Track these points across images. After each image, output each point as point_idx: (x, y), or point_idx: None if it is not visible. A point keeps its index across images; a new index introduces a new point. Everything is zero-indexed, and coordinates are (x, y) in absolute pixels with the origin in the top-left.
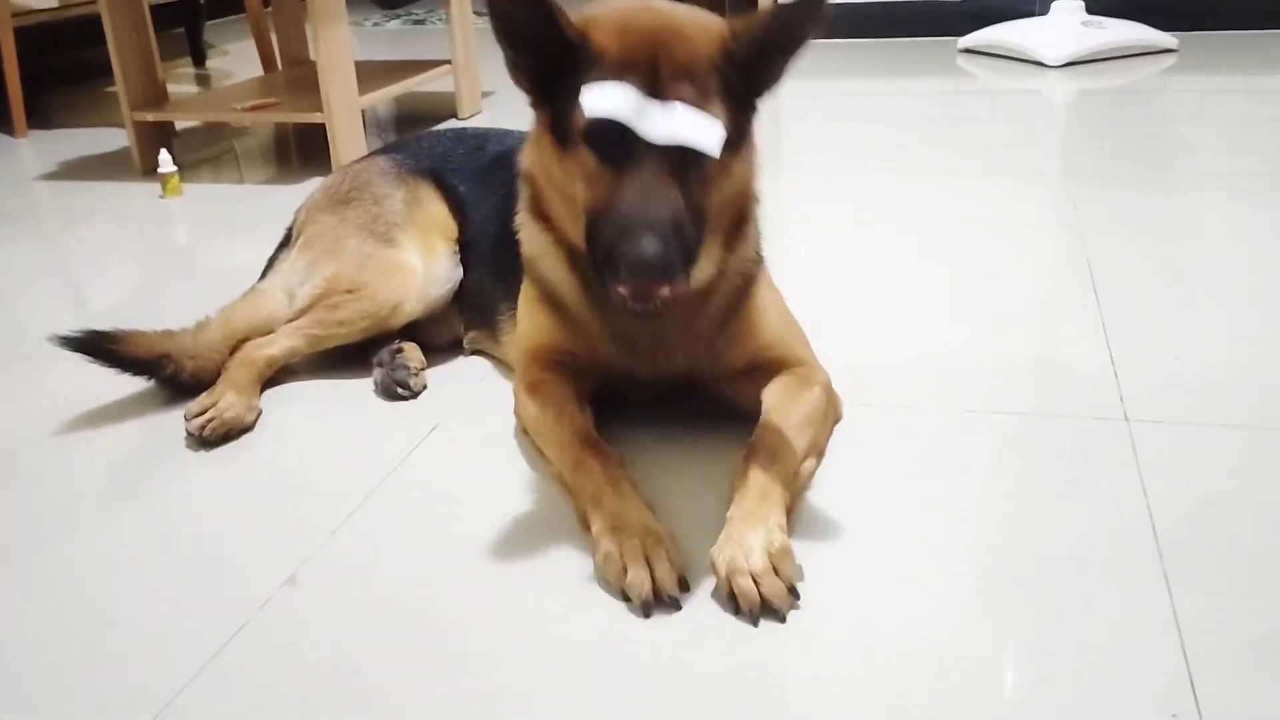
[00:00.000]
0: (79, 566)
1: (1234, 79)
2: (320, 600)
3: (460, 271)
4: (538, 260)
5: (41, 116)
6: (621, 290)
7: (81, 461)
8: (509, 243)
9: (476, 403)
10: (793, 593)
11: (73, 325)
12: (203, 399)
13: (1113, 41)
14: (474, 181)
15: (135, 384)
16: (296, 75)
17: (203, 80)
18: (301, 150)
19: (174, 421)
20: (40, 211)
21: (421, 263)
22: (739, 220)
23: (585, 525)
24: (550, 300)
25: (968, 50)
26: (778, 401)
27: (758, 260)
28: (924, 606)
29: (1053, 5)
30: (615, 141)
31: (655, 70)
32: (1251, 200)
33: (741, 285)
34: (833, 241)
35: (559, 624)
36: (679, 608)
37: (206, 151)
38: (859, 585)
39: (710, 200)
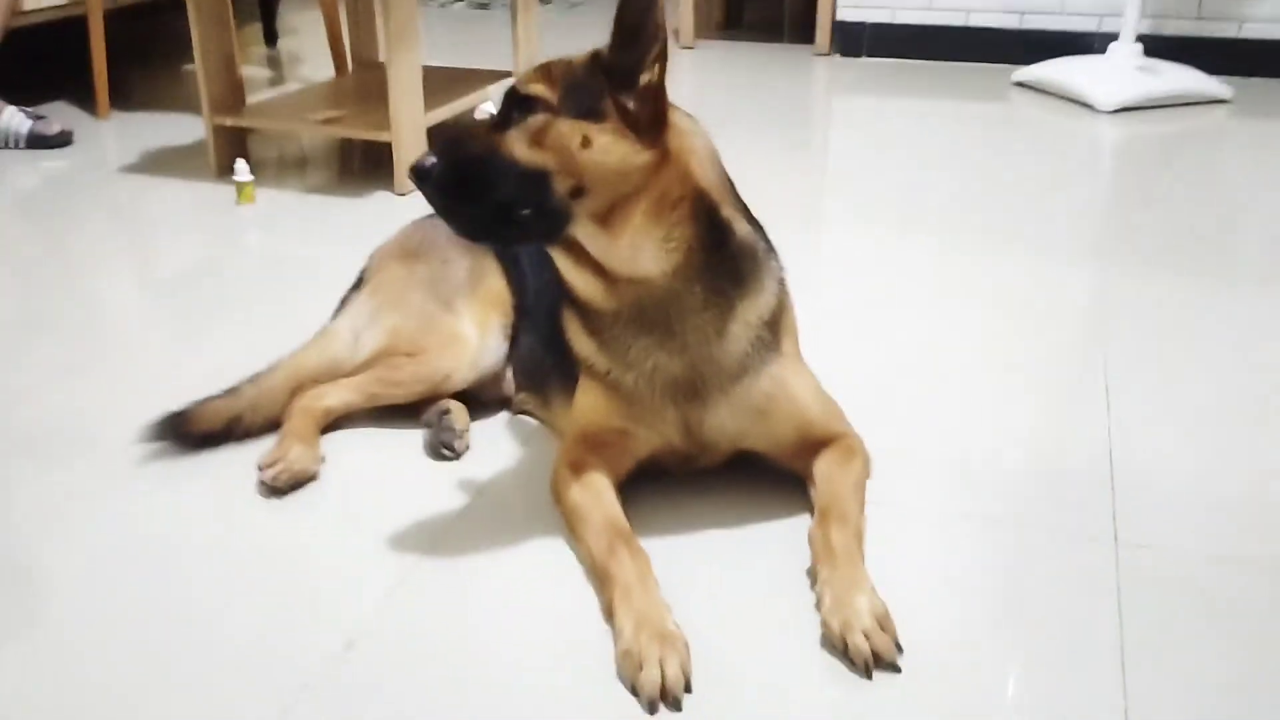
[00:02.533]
0: (152, 613)
1: None
2: (376, 667)
3: (506, 345)
4: (572, 340)
5: (124, 95)
6: None
7: (157, 503)
8: (559, 315)
9: (519, 469)
10: (898, 647)
11: (155, 338)
12: (273, 451)
13: (1165, 91)
14: (536, 252)
15: None
16: (366, 83)
17: (274, 63)
18: (366, 160)
19: (245, 461)
20: (121, 210)
21: (476, 335)
22: (665, 203)
23: (609, 613)
24: (592, 374)
25: (1021, 84)
26: (832, 471)
27: (779, 317)
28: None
29: (1110, 46)
30: None
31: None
32: None
33: (762, 336)
34: (853, 308)
35: (584, 708)
36: (680, 709)
37: (278, 150)
38: (822, 680)
39: (544, 159)
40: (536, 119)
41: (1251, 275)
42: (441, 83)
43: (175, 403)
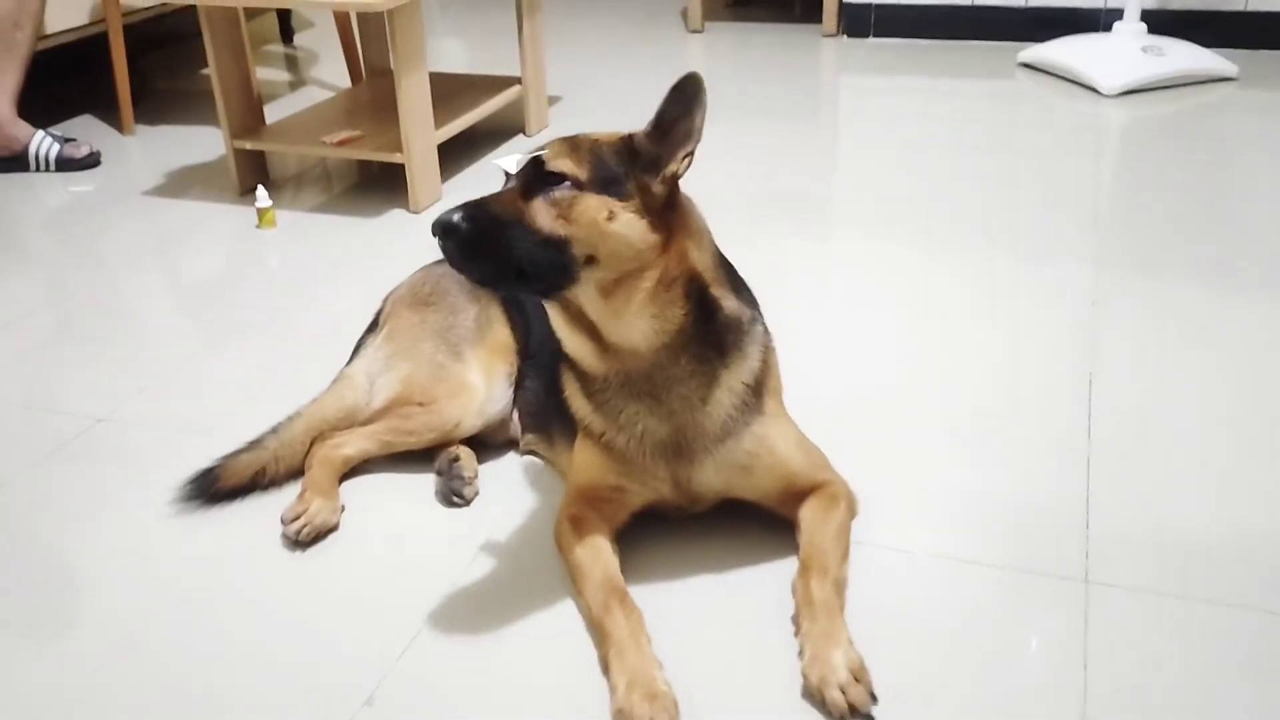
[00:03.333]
0: (172, 669)
1: None
2: None
3: (511, 392)
4: (570, 400)
5: (147, 108)
6: None
7: (179, 556)
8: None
9: (526, 511)
10: (873, 697)
11: (182, 351)
12: (295, 506)
13: (1170, 71)
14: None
15: None
16: (380, 96)
17: (291, 63)
18: (383, 173)
19: (265, 514)
20: (147, 231)
21: (483, 384)
22: (664, 284)
23: (605, 668)
24: (589, 434)
25: (1026, 65)
26: (814, 520)
27: (762, 380)
28: None
29: (1115, 24)
30: None
31: (546, 146)
32: None
33: (746, 400)
34: (837, 313)
35: None
36: None
37: (298, 164)
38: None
39: (569, 231)
40: (565, 192)
41: (1253, 278)
42: (449, 93)
43: (204, 458)
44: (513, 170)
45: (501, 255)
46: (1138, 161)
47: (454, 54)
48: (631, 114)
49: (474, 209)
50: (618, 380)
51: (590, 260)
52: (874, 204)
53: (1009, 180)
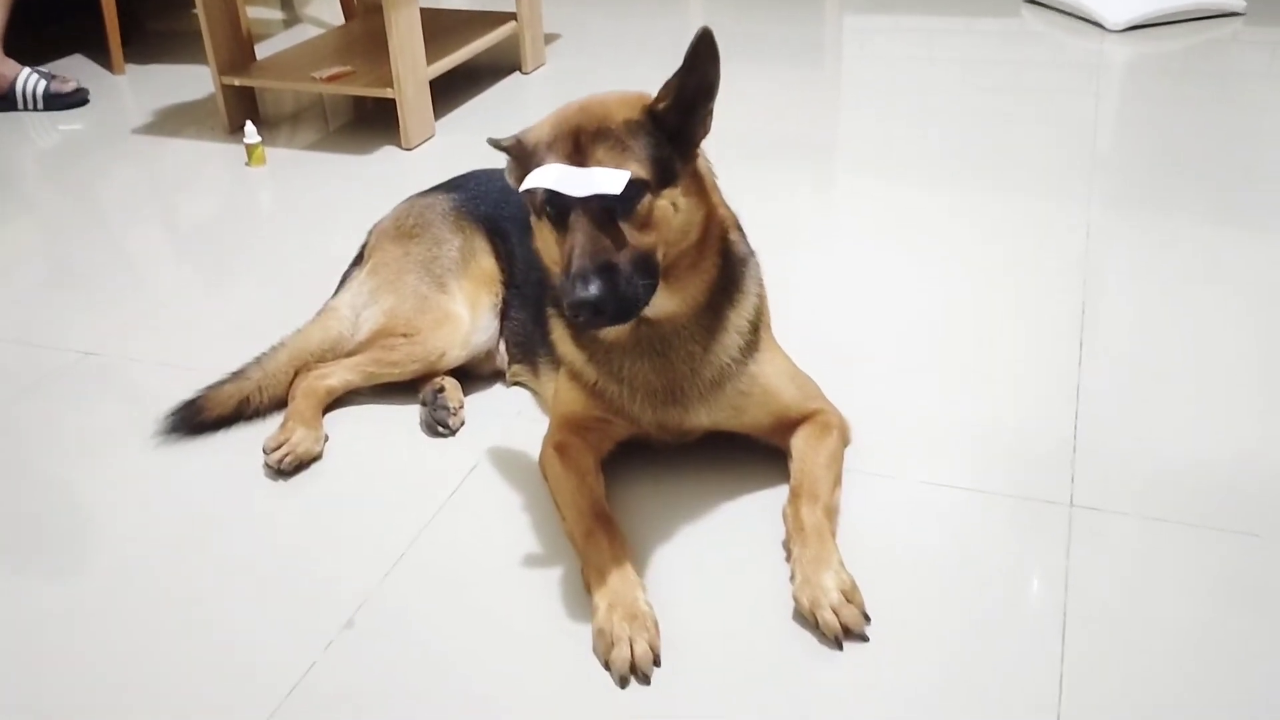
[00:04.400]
0: (161, 599)
1: None
2: (375, 645)
3: (497, 322)
4: (557, 344)
5: (138, 47)
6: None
7: (168, 487)
8: (546, 291)
9: (512, 441)
10: (865, 617)
11: (177, 288)
12: (278, 435)
13: (1177, 6)
14: (524, 229)
15: None
16: (373, 30)
17: (286, 3)
18: (377, 115)
19: (251, 444)
20: (138, 170)
21: (468, 314)
22: (705, 248)
23: (588, 589)
24: (576, 377)
25: (1032, 1)
26: (805, 448)
27: (759, 314)
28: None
29: None
30: (558, 208)
31: (576, 143)
32: None
33: (748, 340)
34: (839, 253)
35: (566, 680)
36: (649, 684)
37: (291, 101)
38: (794, 653)
39: (654, 238)
40: (644, 204)
41: (1256, 215)
42: (444, 29)
43: (187, 388)
44: (567, 190)
45: (624, 294)
46: (1142, 98)
47: None
48: (629, 54)
49: (599, 267)
50: (629, 342)
51: (663, 256)
52: (876, 146)
53: (1012, 119)
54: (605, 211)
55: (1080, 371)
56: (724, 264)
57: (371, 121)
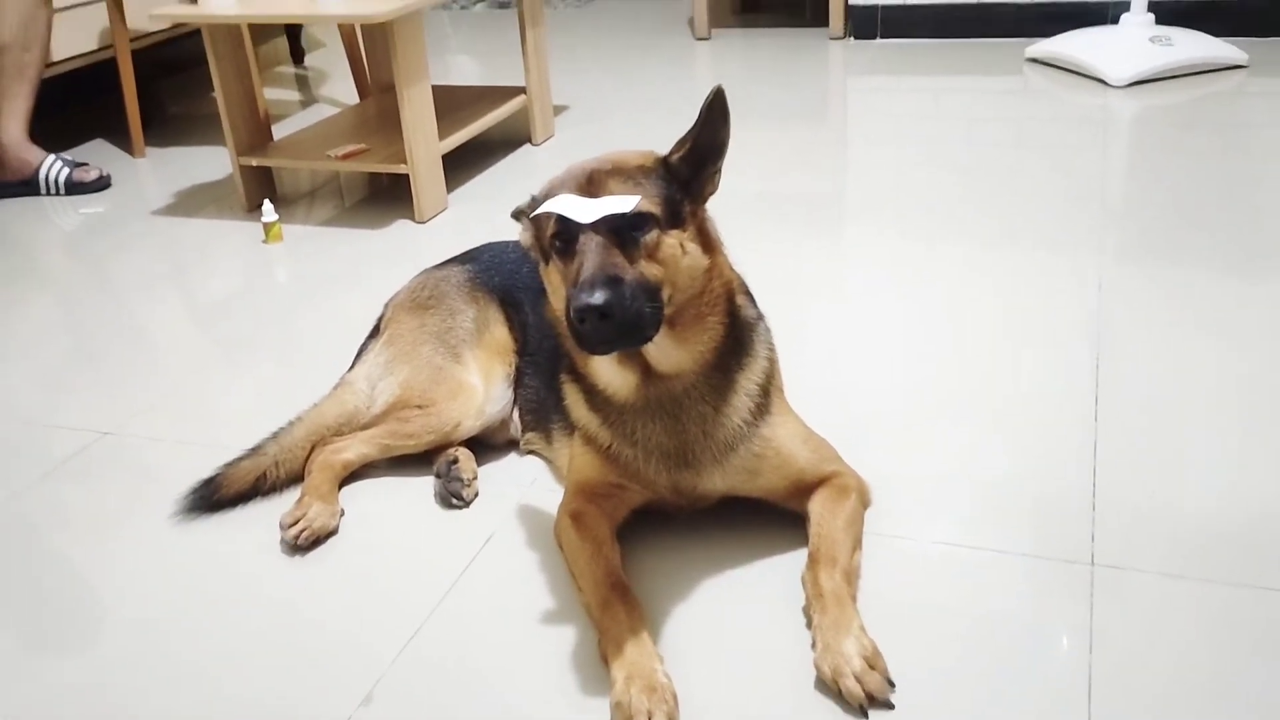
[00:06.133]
0: (179, 675)
1: None
2: None
3: (510, 392)
4: (571, 409)
5: (159, 133)
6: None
7: (186, 564)
8: (560, 359)
9: (526, 511)
10: (889, 683)
11: (195, 366)
12: (294, 510)
13: (1179, 61)
14: (537, 297)
15: None
16: (386, 109)
17: (301, 83)
18: (392, 184)
19: (268, 519)
20: (158, 250)
21: (482, 384)
22: (711, 303)
23: (605, 661)
24: (590, 441)
25: (1034, 60)
26: (823, 511)
27: (770, 378)
28: None
29: (1123, 16)
30: (567, 240)
31: (590, 178)
32: None
33: (759, 403)
34: (851, 309)
35: None
36: None
37: (307, 179)
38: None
39: (660, 272)
40: (652, 235)
41: (1265, 264)
42: (455, 105)
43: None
44: (574, 216)
45: (631, 309)
46: (1149, 151)
47: (465, 69)
48: (639, 122)
49: (610, 281)
50: (641, 403)
51: (669, 298)
52: (884, 202)
53: (1020, 173)
54: (614, 234)
55: (1097, 425)
56: (731, 325)
57: (386, 196)
